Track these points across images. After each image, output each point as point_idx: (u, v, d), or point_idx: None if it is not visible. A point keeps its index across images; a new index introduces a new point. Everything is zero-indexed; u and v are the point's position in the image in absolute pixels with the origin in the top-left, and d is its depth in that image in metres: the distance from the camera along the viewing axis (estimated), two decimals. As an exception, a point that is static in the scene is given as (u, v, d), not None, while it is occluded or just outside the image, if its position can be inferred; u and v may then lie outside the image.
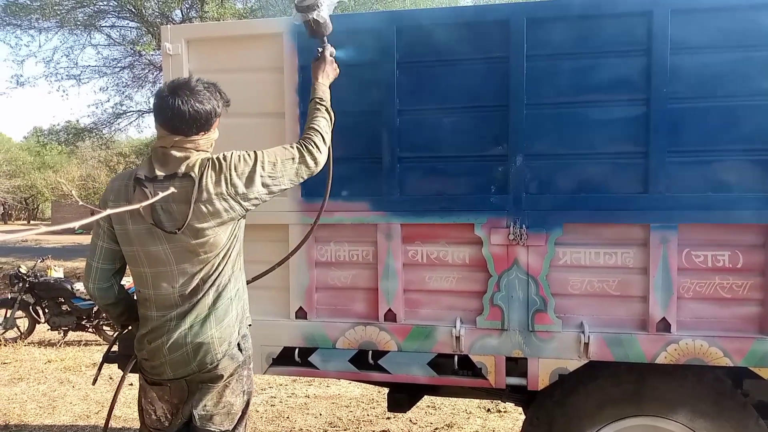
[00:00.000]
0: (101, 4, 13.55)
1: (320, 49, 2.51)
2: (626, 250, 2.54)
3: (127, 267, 2.24)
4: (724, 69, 2.44)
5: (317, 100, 2.39)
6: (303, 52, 2.68)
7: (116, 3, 13.36)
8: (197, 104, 2.06)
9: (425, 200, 2.69)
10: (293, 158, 2.21)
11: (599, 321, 2.58)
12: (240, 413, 2.23)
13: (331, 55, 2.53)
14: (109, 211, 1.01)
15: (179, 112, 2.04)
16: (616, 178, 2.54)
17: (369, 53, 2.70)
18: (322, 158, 2.30)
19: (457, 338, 2.63)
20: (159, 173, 2.06)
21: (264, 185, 2.13)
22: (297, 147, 2.25)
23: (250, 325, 2.32)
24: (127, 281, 2.51)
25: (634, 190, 2.52)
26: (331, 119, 2.40)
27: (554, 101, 2.57)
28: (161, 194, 1.72)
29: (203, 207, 2.03)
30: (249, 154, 2.13)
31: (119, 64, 15.21)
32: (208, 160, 2.08)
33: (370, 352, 2.75)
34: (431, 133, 2.69)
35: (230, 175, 2.07)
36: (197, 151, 2.09)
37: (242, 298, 2.26)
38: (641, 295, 2.53)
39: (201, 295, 2.10)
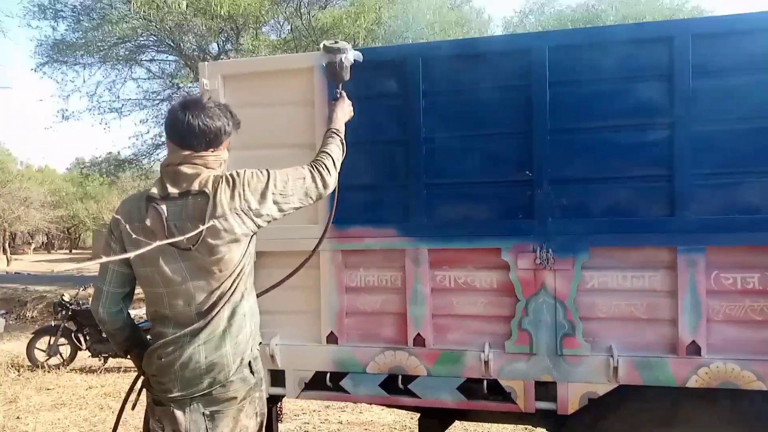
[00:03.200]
0: (142, 39, 14.06)
1: (338, 91, 2.61)
2: (654, 273, 2.54)
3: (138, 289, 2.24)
4: (750, 91, 2.46)
5: (333, 130, 2.47)
6: (333, 86, 2.76)
7: (156, 38, 13.87)
8: (207, 119, 2.11)
9: (452, 225, 2.74)
10: (304, 178, 2.25)
11: (628, 344, 2.57)
12: None
13: None
14: (157, 243, 1.05)
15: (189, 127, 2.09)
16: (642, 202, 2.56)
17: (391, 84, 2.80)
18: (332, 181, 2.34)
19: (486, 363, 2.65)
20: (172, 191, 2.08)
21: (275, 203, 2.17)
22: (308, 168, 2.30)
23: (261, 342, 2.35)
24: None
25: (660, 213, 2.53)
26: (343, 150, 2.45)
27: (578, 126, 2.61)
28: (193, 232, 1.73)
29: (218, 223, 2.05)
30: (262, 172, 2.19)
31: (158, 97, 15.71)
32: (221, 176, 2.12)
33: (400, 377, 2.79)
34: (458, 159, 2.75)
35: (243, 190, 2.11)
36: (207, 168, 2.12)
37: (255, 314, 2.27)
38: (670, 318, 2.52)
39: (216, 311, 2.11)
